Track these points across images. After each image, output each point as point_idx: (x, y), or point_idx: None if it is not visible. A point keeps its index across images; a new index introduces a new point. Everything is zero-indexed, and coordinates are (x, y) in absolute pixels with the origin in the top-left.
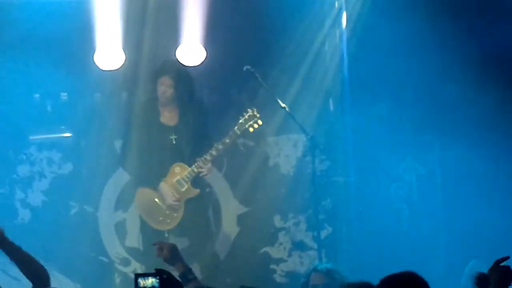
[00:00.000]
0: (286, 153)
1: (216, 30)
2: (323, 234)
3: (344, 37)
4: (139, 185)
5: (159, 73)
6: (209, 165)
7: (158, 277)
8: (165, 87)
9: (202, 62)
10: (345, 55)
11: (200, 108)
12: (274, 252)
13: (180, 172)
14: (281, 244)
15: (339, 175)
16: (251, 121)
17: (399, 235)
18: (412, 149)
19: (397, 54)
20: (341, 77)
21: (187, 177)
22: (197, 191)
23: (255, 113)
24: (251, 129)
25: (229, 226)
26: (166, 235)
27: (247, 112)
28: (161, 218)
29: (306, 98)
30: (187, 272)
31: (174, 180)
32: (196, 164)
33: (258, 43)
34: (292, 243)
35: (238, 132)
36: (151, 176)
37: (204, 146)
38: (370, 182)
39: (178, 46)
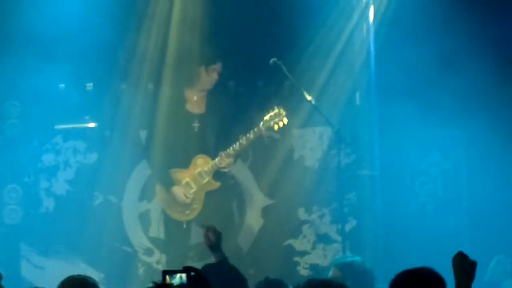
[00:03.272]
0: (311, 145)
1: (242, 22)
2: (348, 227)
3: (371, 31)
4: (158, 177)
5: (211, 58)
6: (231, 159)
7: (186, 274)
8: (217, 74)
9: (228, 54)
10: (372, 49)
11: (228, 99)
12: (298, 244)
13: (202, 164)
14: (305, 236)
15: (364, 168)
16: (277, 118)
17: (424, 229)
18: (438, 143)
19: (425, 48)
20: (367, 71)
21: (209, 170)
22: (218, 184)
23: (281, 111)
24: (276, 127)
25: (254, 218)
26: (184, 226)
27: (273, 109)
28: (179, 209)
29: (332, 91)
30: (224, 261)
31: (196, 171)
32: (218, 157)
33: (285, 36)
34: (316, 235)
35: (263, 129)
36: (172, 166)
37: (228, 138)
38: (395, 176)
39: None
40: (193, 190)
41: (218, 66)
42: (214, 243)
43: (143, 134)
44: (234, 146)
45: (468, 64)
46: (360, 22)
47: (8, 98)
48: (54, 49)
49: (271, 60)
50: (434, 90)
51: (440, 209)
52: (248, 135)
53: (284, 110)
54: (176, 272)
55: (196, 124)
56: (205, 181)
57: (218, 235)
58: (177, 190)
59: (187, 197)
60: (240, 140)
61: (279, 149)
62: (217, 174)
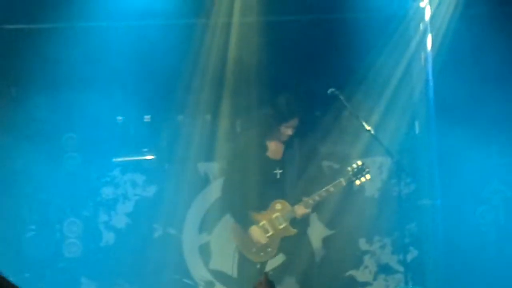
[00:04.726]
0: (371, 176)
1: (300, 53)
2: (409, 257)
3: (430, 60)
4: (237, 216)
5: (288, 114)
6: (309, 210)
7: None
8: (293, 129)
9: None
10: (430, 77)
11: (305, 144)
12: (360, 275)
13: (280, 209)
14: (366, 267)
15: (424, 198)
16: (360, 174)
17: (486, 258)
18: (499, 171)
19: (483, 76)
20: (426, 100)
21: (287, 216)
22: (295, 231)
23: (364, 166)
24: (357, 182)
25: (314, 249)
26: (258, 266)
27: (356, 164)
28: (254, 250)
29: (391, 121)
30: None
31: (274, 216)
32: (298, 205)
33: (342, 66)
34: (378, 266)
35: (344, 184)
36: (247, 208)
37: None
38: (456, 205)
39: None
40: (269, 234)
41: (294, 122)
42: None
43: (201, 166)
44: (314, 196)
45: None
46: (418, 51)
47: (66, 131)
48: (111, 81)
49: (329, 90)
50: (493, 118)
51: (502, 238)
52: (328, 187)
53: (368, 166)
54: None
55: (278, 171)
56: (282, 226)
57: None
58: (254, 231)
59: (263, 240)
60: (320, 192)
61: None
62: (292, 221)
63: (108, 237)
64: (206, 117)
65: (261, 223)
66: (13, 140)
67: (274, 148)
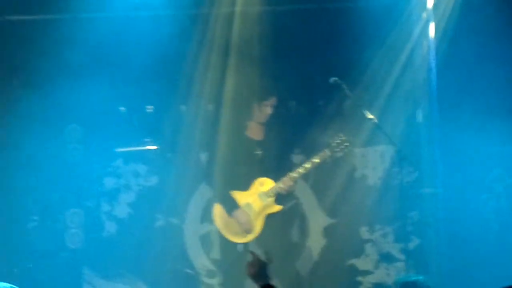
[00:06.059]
0: (373, 164)
1: (302, 41)
2: (411, 245)
3: (432, 48)
4: (220, 199)
5: (265, 93)
6: (292, 182)
7: None
8: (270, 108)
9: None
10: (433, 65)
11: (290, 121)
12: (361, 264)
13: (263, 187)
14: (368, 256)
15: (426, 186)
16: (342, 145)
17: (488, 247)
18: (501, 159)
19: (485, 64)
20: (429, 88)
21: (271, 192)
22: (280, 207)
23: (345, 139)
24: (340, 154)
25: (316, 238)
26: (240, 249)
27: (339, 136)
28: (236, 231)
29: (393, 109)
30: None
31: (257, 194)
32: (282, 180)
33: (345, 55)
34: (379, 254)
35: (329, 154)
36: (233, 189)
37: (291, 160)
38: (458, 194)
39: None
40: (254, 212)
41: (271, 101)
42: (256, 273)
43: (203, 156)
44: (299, 169)
45: None
46: (420, 39)
47: (69, 123)
48: (114, 72)
49: (332, 79)
50: (496, 106)
51: (504, 226)
52: (313, 159)
53: (347, 139)
54: None
55: (258, 151)
56: (265, 203)
57: (261, 265)
58: (239, 212)
59: (247, 219)
60: (305, 164)
61: (341, 168)
62: (279, 197)
63: (110, 227)
64: (209, 107)
65: (243, 202)
66: (16, 131)
67: (253, 128)
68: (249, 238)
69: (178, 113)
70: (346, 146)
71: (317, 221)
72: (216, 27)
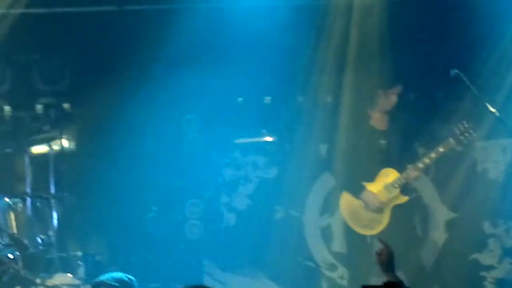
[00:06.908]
0: (495, 158)
1: (422, 34)
2: None
3: None
4: (344, 189)
5: (390, 81)
6: (419, 173)
7: None
8: (396, 96)
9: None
10: None
11: (410, 112)
12: (484, 258)
13: (389, 178)
14: (491, 250)
15: None
16: (467, 133)
17: None
18: None
19: None
20: None
21: (397, 183)
22: (406, 198)
23: (470, 125)
24: (464, 142)
25: (437, 232)
26: (369, 241)
27: (463, 124)
28: (365, 223)
29: None
30: (399, 284)
31: (383, 185)
32: (407, 170)
33: (466, 47)
34: (503, 249)
35: (453, 142)
36: (358, 179)
37: (413, 152)
38: None
39: None
40: (381, 203)
41: (397, 89)
42: (384, 264)
43: (323, 147)
44: (424, 159)
45: None
46: None
47: (187, 112)
48: (232, 63)
49: (453, 71)
50: None
51: None
52: (437, 148)
53: (471, 126)
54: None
55: (383, 141)
56: (392, 195)
57: (390, 256)
58: (367, 193)
59: (378, 201)
60: (430, 154)
61: (462, 162)
62: (404, 188)
63: (229, 219)
64: (327, 98)
65: (367, 196)
66: (136, 122)
67: (376, 117)
68: (376, 230)
69: (296, 104)
70: (470, 134)
71: (439, 214)
72: (335, 17)
